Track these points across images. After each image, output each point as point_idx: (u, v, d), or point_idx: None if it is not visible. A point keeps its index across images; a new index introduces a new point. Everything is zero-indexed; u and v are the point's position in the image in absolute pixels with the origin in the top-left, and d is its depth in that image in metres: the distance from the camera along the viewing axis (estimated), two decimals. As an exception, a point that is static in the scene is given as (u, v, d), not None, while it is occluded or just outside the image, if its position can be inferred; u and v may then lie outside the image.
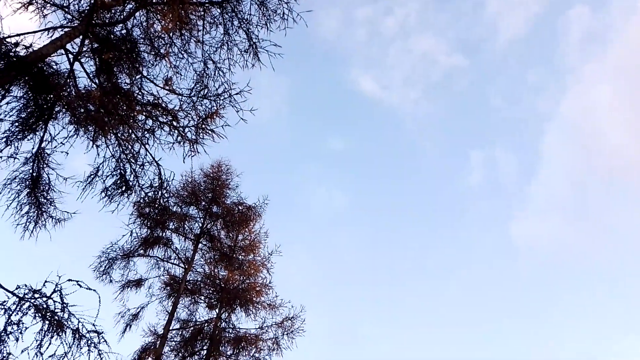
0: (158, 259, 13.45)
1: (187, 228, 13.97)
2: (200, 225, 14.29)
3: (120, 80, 8.03)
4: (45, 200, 8.29)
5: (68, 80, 7.55)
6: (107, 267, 12.05)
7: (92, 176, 8.17)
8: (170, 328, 12.29)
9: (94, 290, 5.89)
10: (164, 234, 13.39)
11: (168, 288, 13.42)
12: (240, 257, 14.81)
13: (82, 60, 7.57)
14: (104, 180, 8.28)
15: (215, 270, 14.37)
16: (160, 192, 8.70)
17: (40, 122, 7.31)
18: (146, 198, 8.66)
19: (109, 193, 8.45)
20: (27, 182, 8.11)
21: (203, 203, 14.43)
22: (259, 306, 13.78)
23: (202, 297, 13.71)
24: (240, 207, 14.60)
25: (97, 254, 12.31)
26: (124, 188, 8.57)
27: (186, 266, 13.52)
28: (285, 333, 13.42)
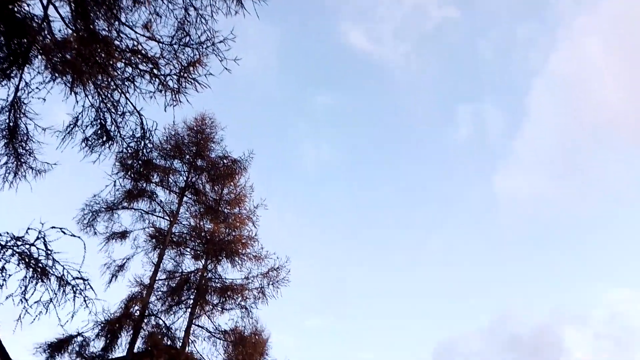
0: (142, 212, 13.48)
1: (171, 181, 13.92)
2: (185, 178, 14.24)
3: (97, 27, 7.73)
4: (24, 151, 8.15)
5: (43, 25, 7.25)
6: (91, 219, 12.04)
7: (72, 126, 7.99)
8: (157, 278, 12.49)
9: (79, 237, 5.92)
10: (148, 186, 13.35)
11: (153, 240, 13.51)
12: (225, 210, 14.88)
13: (57, 4, 7.24)
14: (84, 130, 8.12)
15: (201, 223, 14.46)
16: (142, 142, 8.56)
17: (15, 68, 7.05)
18: (128, 149, 8.54)
19: (90, 143, 8.31)
20: (4, 133, 7.94)
21: (187, 156, 14.31)
22: (245, 257, 13.99)
23: (188, 249, 13.87)
24: (225, 161, 14.54)
25: (81, 207, 12.27)
26: (104, 138, 8.43)
27: (171, 219, 13.57)
28: (271, 283, 13.72)
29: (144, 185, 13.20)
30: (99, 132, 8.29)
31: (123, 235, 12.93)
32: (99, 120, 8.21)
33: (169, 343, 11.70)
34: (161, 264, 12.84)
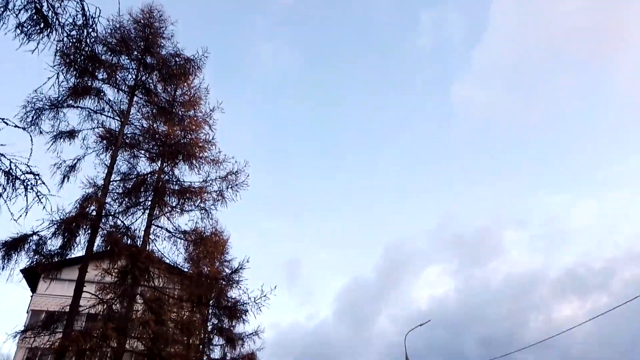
0: (90, 111, 12.75)
1: (119, 79, 13.08)
2: (134, 76, 13.41)
3: None
4: (-52, 36, 7.32)
5: None
6: (34, 117, 11.27)
7: (2, 9, 7.16)
8: (111, 179, 12.21)
9: (23, 128, 5.56)
10: (94, 83, 12.50)
11: (104, 142, 12.99)
12: (180, 112, 14.38)
13: None
14: (17, 15, 7.32)
15: (155, 125, 13.96)
16: (85, 31, 7.87)
17: None
18: (70, 38, 7.84)
19: (25, 30, 7.56)
20: None
21: (135, 52, 13.35)
22: (203, 161, 13.84)
23: (142, 151, 13.50)
24: (177, 59, 13.72)
25: (22, 104, 11.39)
26: (42, 25, 7.67)
27: (122, 119, 12.97)
28: (230, 186, 13.78)
29: (90, 82, 12.33)
30: (35, 17, 7.51)
31: (71, 134, 12.30)
32: (33, 4, 7.40)
33: (129, 242, 11.79)
34: (115, 166, 12.49)
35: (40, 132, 11.18)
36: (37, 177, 6.07)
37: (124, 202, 12.51)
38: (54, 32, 7.80)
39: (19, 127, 5.57)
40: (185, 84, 14.34)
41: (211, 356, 19.14)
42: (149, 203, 12.69)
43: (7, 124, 5.43)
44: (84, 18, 7.83)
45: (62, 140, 12.04)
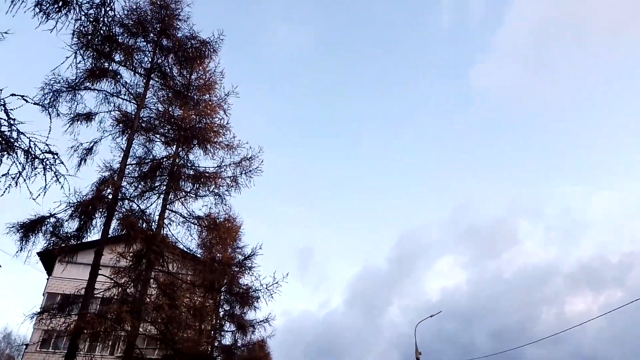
0: (107, 93, 12.67)
1: (135, 61, 12.96)
2: (150, 59, 13.28)
3: None
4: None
5: None
6: (52, 99, 11.17)
7: (20, -14, 7.03)
8: (127, 163, 12.16)
9: (43, 106, 5.45)
10: (111, 66, 12.39)
11: (121, 125, 12.93)
12: (195, 96, 14.25)
13: None
14: (35, -8, 7.21)
15: (170, 109, 13.87)
16: (102, 9, 7.74)
17: None
18: (88, 16, 7.71)
19: (44, 8, 7.44)
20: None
21: (151, 35, 13.20)
22: (217, 146, 13.73)
23: (158, 135, 13.42)
24: (193, 42, 13.53)
25: (40, 86, 11.30)
26: (60, 3, 7.55)
27: (138, 102, 12.87)
28: (244, 172, 13.67)
29: (107, 64, 12.23)
30: (53, -6, 7.39)
31: (88, 117, 12.23)
32: (51, -19, 7.28)
33: (144, 226, 11.75)
34: (131, 149, 12.43)
35: (58, 115, 11.11)
36: (55, 157, 5.99)
37: (139, 186, 12.46)
38: (72, 10, 7.69)
39: (37, 104, 5.47)
40: (201, 67, 14.19)
41: (222, 342, 19.23)
42: (164, 187, 12.64)
43: (26, 101, 5.33)
44: (101, -4, 7.71)
45: (79, 122, 11.99)
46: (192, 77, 14.24)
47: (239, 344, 19.35)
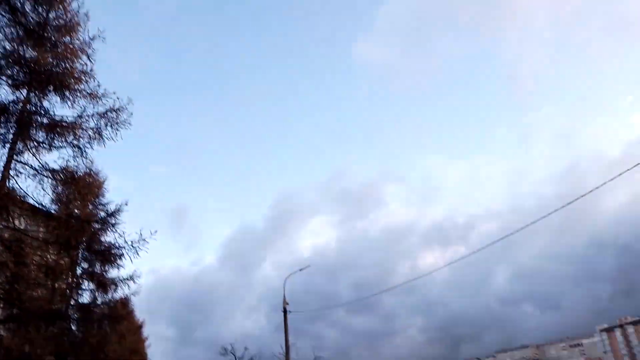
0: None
1: (-24, -11, 11.28)
2: (-4, -11, 11.66)
3: None
4: None
5: None
6: None
7: None
8: (-36, 105, 10.77)
9: None
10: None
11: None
12: (53, 37, 12.97)
13: None
14: None
15: (21, 49, 12.45)
16: None
17: None
18: None
19: None
20: None
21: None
22: (78, 94, 12.78)
23: (4, 77, 11.99)
24: (49, -25, 12.17)
25: None
26: None
27: (-21, 37, 11.32)
28: (109, 124, 12.94)
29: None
30: None
31: None
32: None
33: (-16, 176, 10.65)
34: (-32, 90, 10.99)
35: None
36: None
37: (-22, 131, 11.14)
38: None
39: None
40: (61, 5, 12.92)
41: (79, 300, 18.41)
42: (11, 136, 11.48)
43: None
44: None
45: None
46: (50, 15, 12.91)
47: (99, 302, 18.72)
